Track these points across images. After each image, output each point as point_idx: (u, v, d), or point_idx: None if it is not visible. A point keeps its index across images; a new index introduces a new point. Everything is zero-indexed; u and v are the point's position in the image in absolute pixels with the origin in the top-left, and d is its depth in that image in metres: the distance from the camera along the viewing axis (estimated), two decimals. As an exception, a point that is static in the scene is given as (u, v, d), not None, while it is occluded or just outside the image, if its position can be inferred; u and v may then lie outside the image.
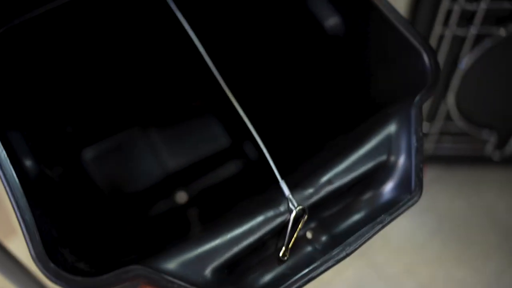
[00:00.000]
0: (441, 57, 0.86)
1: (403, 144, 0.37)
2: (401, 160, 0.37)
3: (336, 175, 0.37)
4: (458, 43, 0.83)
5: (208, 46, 0.48)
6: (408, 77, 0.40)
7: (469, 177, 1.02)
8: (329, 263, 0.32)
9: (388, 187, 0.37)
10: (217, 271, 0.34)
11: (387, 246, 0.93)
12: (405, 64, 0.41)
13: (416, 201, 0.34)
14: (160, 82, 0.76)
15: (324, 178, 0.37)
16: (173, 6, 0.46)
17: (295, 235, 0.36)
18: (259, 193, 0.74)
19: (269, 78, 0.64)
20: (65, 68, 0.61)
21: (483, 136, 0.94)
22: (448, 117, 0.93)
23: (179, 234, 0.72)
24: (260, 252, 0.36)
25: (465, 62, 0.85)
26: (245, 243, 0.35)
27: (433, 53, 0.39)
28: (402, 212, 0.34)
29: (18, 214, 0.32)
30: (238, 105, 0.44)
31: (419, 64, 0.39)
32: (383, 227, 0.34)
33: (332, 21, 0.48)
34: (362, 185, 0.38)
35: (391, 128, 0.38)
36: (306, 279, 0.32)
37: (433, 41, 0.84)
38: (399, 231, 1.01)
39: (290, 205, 0.36)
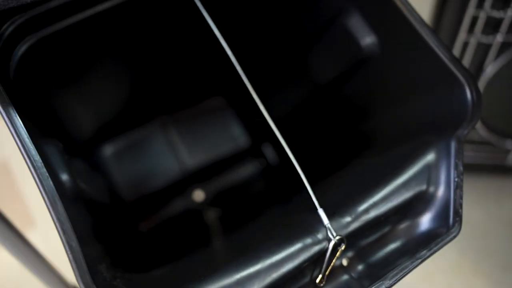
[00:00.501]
0: (465, 64, 0.85)
1: (442, 176, 0.37)
2: (440, 192, 0.37)
3: (374, 205, 0.38)
4: (483, 50, 0.82)
5: (233, 47, 0.48)
6: (448, 107, 0.40)
7: (489, 186, 1.02)
8: None
9: (426, 219, 0.37)
10: None
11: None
12: (446, 94, 0.40)
13: (454, 237, 0.35)
14: (180, 79, 0.76)
15: (362, 207, 0.38)
16: (198, 3, 0.45)
17: (332, 263, 0.37)
18: (281, 198, 0.75)
19: (297, 83, 0.64)
20: (92, 73, 0.61)
21: (507, 145, 0.94)
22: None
23: (199, 239, 0.73)
24: (298, 279, 0.37)
25: (489, 70, 0.84)
26: (284, 269, 0.35)
27: (475, 86, 0.38)
28: (440, 248, 0.34)
29: (64, 240, 0.33)
30: (262, 106, 0.44)
31: (461, 96, 0.39)
32: (421, 262, 0.34)
33: (368, 40, 0.48)
34: (400, 215, 0.38)
35: (430, 158, 0.39)
36: None
37: (457, 48, 0.83)
38: None
39: (329, 234, 0.36)
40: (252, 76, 0.45)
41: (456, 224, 0.35)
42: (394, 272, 0.34)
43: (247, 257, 0.36)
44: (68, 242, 0.32)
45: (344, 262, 0.38)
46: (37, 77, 0.53)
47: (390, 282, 0.34)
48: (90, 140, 0.75)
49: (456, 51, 0.83)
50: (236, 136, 0.82)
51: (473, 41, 0.82)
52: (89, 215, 0.51)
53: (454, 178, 0.36)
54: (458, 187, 0.36)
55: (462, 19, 0.79)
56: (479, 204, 1.02)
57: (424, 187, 0.38)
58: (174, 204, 0.78)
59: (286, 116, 0.67)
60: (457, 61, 0.39)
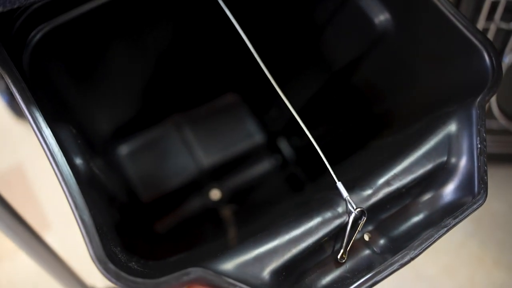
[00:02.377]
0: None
1: (464, 145, 0.36)
2: (463, 162, 0.36)
3: (395, 176, 0.36)
4: (502, 37, 0.81)
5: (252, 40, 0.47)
6: (468, 77, 0.39)
7: (509, 176, 0.99)
8: (394, 267, 0.32)
9: (449, 189, 0.36)
10: (275, 273, 0.33)
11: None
12: (465, 63, 0.39)
13: (481, 205, 0.33)
14: (193, 77, 0.76)
15: (382, 180, 0.36)
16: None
17: (353, 238, 0.35)
18: (297, 190, 0.74)
19: (312, 72, 0.63)
20: (106, 66, 0.61)
21: (527, 134, 0.92)
22: (489, 114, 0.90)
23: (215, 230, 0.72)
24: (318, 254, 0.36)
25: (509, 58, 0.82)
26: (303, 244, 0.34)
27: (494, 51, 0.37)
28: (466, 216, 0.33)
29: (76, 214, 0.32)
30: (285, 98, 0.43)
31: (480, 63, 0.38)
32: (447, 231, 0.33)
33: (382, 17, 0.47)
34: (422, 187, 0.37)
35: (451, 128, 0.37)
36: (370, 283, 0.32)
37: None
38: None
39: (349, 206, 0.35)
40: (268, 68, 0.44)
41: (482, 191, 0.34)
42: (419, 241, 0.32)
43: (265, 233, 0.35)
44: (80, 216, 0.32)
45: (366, 237, 0.36)
46: (51, 68, 0.53)
47: (416, 252, 0.32)
48: (106, 139, 0.75)
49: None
50: (251, 133, 0.81)
51: (492, 28, 0.80)
52: (106, 205, 0.50)
53: (477, 144, 0.35)
54: (482, 153, 0.34)
55: (481, 6, 0.78)
56: (499, 195, 0.99)
57: (445, 157, 0.37)
58: (190, 203, 0.78)
59: (304, 105, 0.66)
60: (474, 27, 0.38)
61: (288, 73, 0.67)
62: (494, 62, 0.37)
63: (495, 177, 1.00)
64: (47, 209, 0.92)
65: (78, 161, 0.43)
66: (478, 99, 0.36)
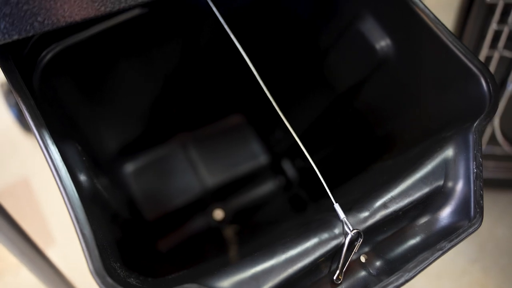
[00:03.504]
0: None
1: (461, 169, 0.36)
2: (460, 186, 0.36)
3: (392, 199, 0.37)
4: (506, 65, 0.81)
5: (252, 62, 0.49)
6: (465, 102, 0.40)
7: (512, 203, 0.99)
8: None
9: (446, 213, 0.36)
10: None
11: (427, 272, 0.90)
12: (463, 89, 0.40)
13: (476, 229, 0.34)
14: (199, 97, 0.77)
15: (379, 202, 0.37)
16: (220, 18, 0.46)
17: (349, 259, 0.36)
18: (299, 210, 0.74)
19: (315, 95, 0.64)
20: (114, 86, 0.63)
21: (530, 160, 0.92)
22: (493, 140, 0.91)
23: (217, 250, 0.72)
24: (314, 274, 0.36)
25: (512, 84, 0.83)
26: (300, 264, 0.35)
27: (491, 77, 0.38)
28: (462, 240, 0.33)
29: (78, 228, 0.33)
30: (287, 122, 0.44)
31: (478, 89, 0.38)
32: (442, 254, 0.33)
33: (383, 43, 0.48)
34: (418, 210, 0.37)
35: (448, 152, 0.38)
36: None
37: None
38: (440, 258, 0.96)
39: (346, 228, 0.36)
40: (272, 91, 0.45)
41: (478, 215, 0.34)
42: (414, 263, 0.33)
43: (262, 252, 0.36)
44: (81, 230, 0.32)
45: (362, 258, 0.37)
46: (60, 86, 0.54)
47: (410, 274, 0.32)
48: (112, 156, 0.76)
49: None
50: (255, 154, 0.82)
51: (496, 56, 0.81)
52: (108, 221, 0.51)
53: (474, 169, 0.35)
54: (478, 178, 0.35)
55: (485, 34, 0.79)
56: (503, 221, 0.98)
57: (442, 181, 0.37)
58: (193, 222, 0.78)
59: (307, 128, 0.67)
60: (472, 55, 0.39)
61: (292, 95, 0.68)
62: (491, 88, 0.38)
63: (499, 202, 1.00)
64: (52, 223, 0.93)
65: (82, 177, 0.44)
66: (475, 124, 0.37)
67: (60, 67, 0.52)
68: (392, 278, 0.32)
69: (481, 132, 0.36)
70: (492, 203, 1.00)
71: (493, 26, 0.77)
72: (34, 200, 0.95)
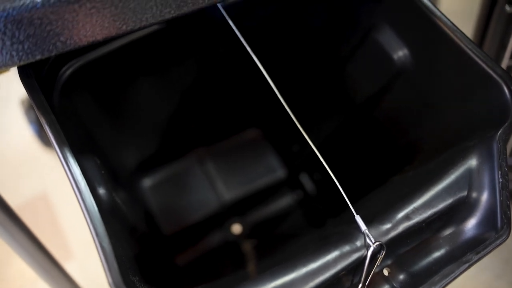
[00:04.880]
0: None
1: (486, 179, 0.35)
2: (485, 196, 0.35)
3: (414, 210, 0.36)
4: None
5: (270, 75, 0.49)
6: (488, 111, 0.39)
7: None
8: None
9: (471, 224, 0.35)
10: None
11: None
12: (485, 97, 0.39)
13: (504, 240, 0.33)
14: (216, 112, 0.77)
15: (402, 214, 0.36)
16: (236, 31, 0.47)
17: (372, 272, 0.35)
18: (318, 225, 0.73)
19: (334, 107, 0.64)
20: (133, 101, 0.63)
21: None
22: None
23: (235, 265, 0.71)
24: (336, 288, 0.35)
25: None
26: (321, 278, 0.34)
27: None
28: (489, 252, 0.32)
29: (97, 241, 0.33)
30: (305, 134, 0.43)
31: (500, 97, 0.38)
32: (469, 266, 0.32)
33: (401, 53, 0.48)
34: (442, 222, 0.36)
35: (471, 162, 0.37)
36: None
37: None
38: (464, 274, 0.94)
39: (368, 240, 0.35)
40: (290, 104, 0.45)
41: (505, 227, 0.33)
42: (440, 277, 0.32)
43: (282, 266, 0.35)
44: (100, 244, 0.32)
45: (385, 271, 0.36)
46: (80, 101, 0.55)
47: (436, 287, 0.31)
48: (130, 171, 0.77)
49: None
50: (273, 168, 0.82)
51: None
52: (127, 235, 0.51)
53: (499, 179, 0.34)
54: (504, 188, 0.34)
55: (506, 44, 0.78)
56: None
57: (466, 191, 0.36)
58: (211, 237, 0.78)
59: (325, 139, 0.66)
60: (493, 62, 0.39)
61: (310, 107, 0.68)
62: None
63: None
64: (70, 237, 0.94)
65: (101, 191, 0.44)
66: (499, 133, 0.36)
67: (79, 83, 0.52)
68: None
69: (505, 141, 0.35)
70: None
71: (515, 36, 0.76)
72: (54, 214, 0.96)
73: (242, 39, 0.45)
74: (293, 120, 0.45)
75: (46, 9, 0.31)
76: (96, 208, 0.34)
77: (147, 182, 0.79)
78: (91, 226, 0.33)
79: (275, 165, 0.82)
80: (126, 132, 0.69)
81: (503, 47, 0.78)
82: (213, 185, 0.82)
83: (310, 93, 0.68)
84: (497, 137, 0.36)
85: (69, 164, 0.35)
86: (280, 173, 0.81)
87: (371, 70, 0.53)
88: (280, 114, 0.51)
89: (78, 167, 0.35)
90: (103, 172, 0.45)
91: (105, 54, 0.53)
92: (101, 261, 0.32)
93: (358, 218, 0.36)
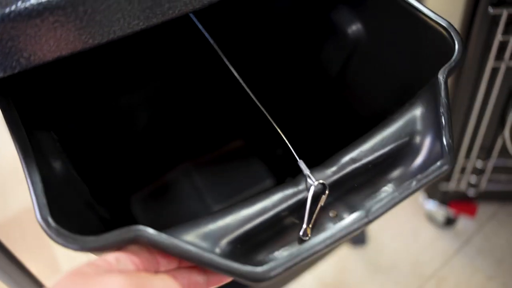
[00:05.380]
0: (495, 90, 0.82)
1: (431, 116, 0.35)
2: (430, 135, 0.35)
3: (360, 153, 0.35)
4: (513, 76, 0.79)
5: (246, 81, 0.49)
6: (437, 61, 0.39)
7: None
8: (350, 228, 0.30)
9: (417, 164, 0.34)
10: (229, 243, 0.32)
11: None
12: (432, 49, 0.40)
13: (447, 169, 0.32)
14: (200, 124, 0.77)
15: (347, 157, 0.36)
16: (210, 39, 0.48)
17: (316, 212, 0.34)
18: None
19: (294, 87, 0.64)
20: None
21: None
22: (504, 153, 0.87)
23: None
24: (280, 230, 0.34)
25: (520, 96, 0.80)
26: (258, 220, 0.33)
27: (455, 31, 0.38)
28: (431, 179, 0.31)
29: (26, 172, 0.33)
30: (286, 140, 0.43)
31: (444, 45, 0.38)
32: (410, 193, 0.31)
33: (354, 27, 0.49)
34: (389, 163, 0.36)
35: (417, 105, 0.37)
36: (322, 245, 0.30)
37: (486, 74, 0.81)
38: (457, 275, 0.93)
39: (309, 181, 0.34)
40: (267, 106, 0.46)
41: (447, 154, 0.32)
42: (376, 201, 0.31)
43: (221, 211, 0.34)
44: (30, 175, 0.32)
45: (331, 213, 0.34)
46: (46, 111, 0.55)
47: (375, 214, 0.30)
48: (118, 190, 0.76)
49: (486, 77, 0.81)
50: (260, 177, 0.81)
51: (503, 67, 0.79)
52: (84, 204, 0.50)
53: (442, 113, 0.34)
54: (447, 122, 0.33)
55: (490, 45, 0.77)
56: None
57: (413, 132, 0.36)
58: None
59: (294, 126, 0.66)
60: (436, 15, 0.40)
61: (283, 100, 0.68)
62: (455, 39, 0.38)
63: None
64: (58, 251, 0.92)
65: (56, 163, 0.43)
66: (440, 71, 0.36)
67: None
68: (353, 217, 0.31)
69: (446, 79, 0.36)
70: (507, 216, 0.95)
71: (498, 37, 0.76)
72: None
73: (212, 41, 0.45)
74: (275, 129, 0.45)
75: (6, 24, 0.30)
76: (31, 150, 0.33)
77: (134, 198, 0.79)
78: (22, 161, 0.32)
79: (263, 175, 0.81)
80: (110, 152, 0.70)
81: (487, 48, 0.78)
82: (201, 198, 0.81)
83: (281, 85, 0.68)
84: (438, 76, 0.36)
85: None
86: (267, 182, 0.80)
87: (333, 49, 0.53)
88: (262, 124, 0.51)
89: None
90: (57, 140, 0.45)
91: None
92: (30, 192, 0.31)
93: (301, 163, 0.36)
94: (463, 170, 0.92)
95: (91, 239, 0.29)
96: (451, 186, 0.95)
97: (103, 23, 0.32)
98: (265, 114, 0.46)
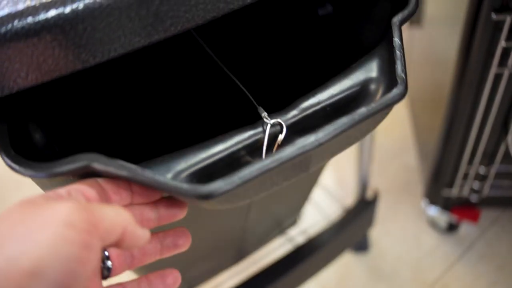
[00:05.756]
0: (499, 96, 0.81)
1: (386, 60, 0.38)
2: (385, 79, 0.38)
3: (319, 98, 0.38)
4: (516, 81, 0.79)
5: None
6: (389, 12, 0.42)
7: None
8: (301, 150, 0.31)
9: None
10: (186, 178, 0.34)
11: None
12: (388, 6, 0.43)
13: (402, 95, 0.34)
14: (199, 130, 0.78)
15: (307, 103, 0.38)
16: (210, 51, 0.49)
17: (273, 151, 0.36)
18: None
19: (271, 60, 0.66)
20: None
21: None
22: (507, 159, 0.87)
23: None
24: (236, 168, 0.34)
25: (523, 104, 0.80)
26: (216, 157, 0.35)
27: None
28: (382, 107, 0.33)
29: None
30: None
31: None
32: (361, 120, 0.33)
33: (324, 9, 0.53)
34: (346, 106, 0.38)
35: (374, 56, 0.40)
36: (272, 165, 0.31)
37: (489, 81, 0.81)
38: (459, 281, 0.92)
39: (266, 120, 0.36)
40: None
41: (400, 83, 0.35)
42: (328, 126, 0.33)
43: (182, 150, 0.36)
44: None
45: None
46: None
47: (325, 137, 0.32)
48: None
49: (489, 83, 0.81)
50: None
51: (506, 74, 0.79)
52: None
53: (396, 52, 0.37)
54: (399, 58, 0.36)
55: (493, 52, 0.77)
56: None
57: (372, 75, 0.39)
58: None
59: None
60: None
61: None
62: None
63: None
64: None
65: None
66: (393, 18, 0.39)
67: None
68: (301, 137, 0.32)
69: (400, 25, 0.39)
70: (509, 222, 0.94)
71: (502, 43, 0.76)
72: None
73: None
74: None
75: (2, 44, 0.30)
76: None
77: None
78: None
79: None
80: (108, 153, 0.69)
81: (490, 54, 0.78)
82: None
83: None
84: (392, 21, 0.39)
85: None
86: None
87: (298, 27, 0.57)
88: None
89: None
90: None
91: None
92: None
93: (260, 108, 0.38)
94: (465, 176, 0.91)
95: (49, 165, 0.30)
96: (454, 192, 0.94)
97: (103, 41, 0.31)
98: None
